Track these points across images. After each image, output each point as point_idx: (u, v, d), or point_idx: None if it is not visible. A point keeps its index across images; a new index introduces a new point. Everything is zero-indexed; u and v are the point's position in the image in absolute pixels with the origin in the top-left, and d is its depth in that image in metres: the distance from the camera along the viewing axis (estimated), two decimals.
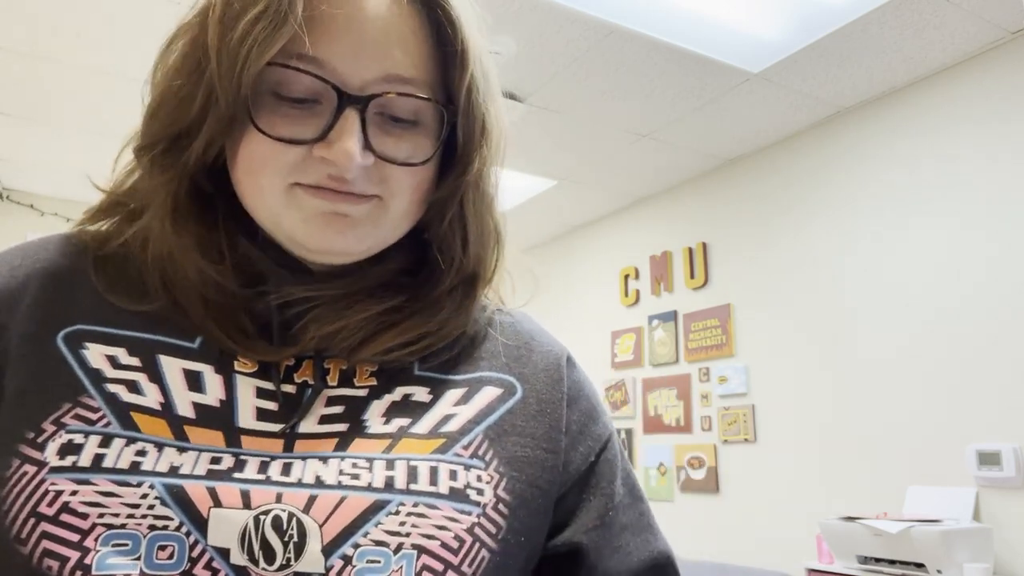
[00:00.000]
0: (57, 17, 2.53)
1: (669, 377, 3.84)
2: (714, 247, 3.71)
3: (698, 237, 3.79)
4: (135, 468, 0.44)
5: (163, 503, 0.44)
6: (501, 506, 0.51)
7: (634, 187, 4.00)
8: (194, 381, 0.49)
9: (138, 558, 0.42)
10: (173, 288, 0.51)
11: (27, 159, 3.70)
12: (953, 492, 2.56)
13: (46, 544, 0.42)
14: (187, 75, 0.51)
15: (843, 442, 2.96)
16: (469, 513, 0.49)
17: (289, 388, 0.51)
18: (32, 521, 0.43)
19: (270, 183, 0.50)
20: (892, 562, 2.40)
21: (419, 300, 0.56)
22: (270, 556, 0.44)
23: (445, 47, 0.51)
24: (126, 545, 0.43)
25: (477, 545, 0.49)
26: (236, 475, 0.46)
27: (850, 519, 2.51)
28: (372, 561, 0.45)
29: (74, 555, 0.42)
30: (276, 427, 0.49)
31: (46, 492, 0.43)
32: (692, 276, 3.79)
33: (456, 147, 0.53)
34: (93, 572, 0.42)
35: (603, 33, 2.58)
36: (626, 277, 4.21)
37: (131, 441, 0.46)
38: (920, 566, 2.32)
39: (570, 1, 2.39)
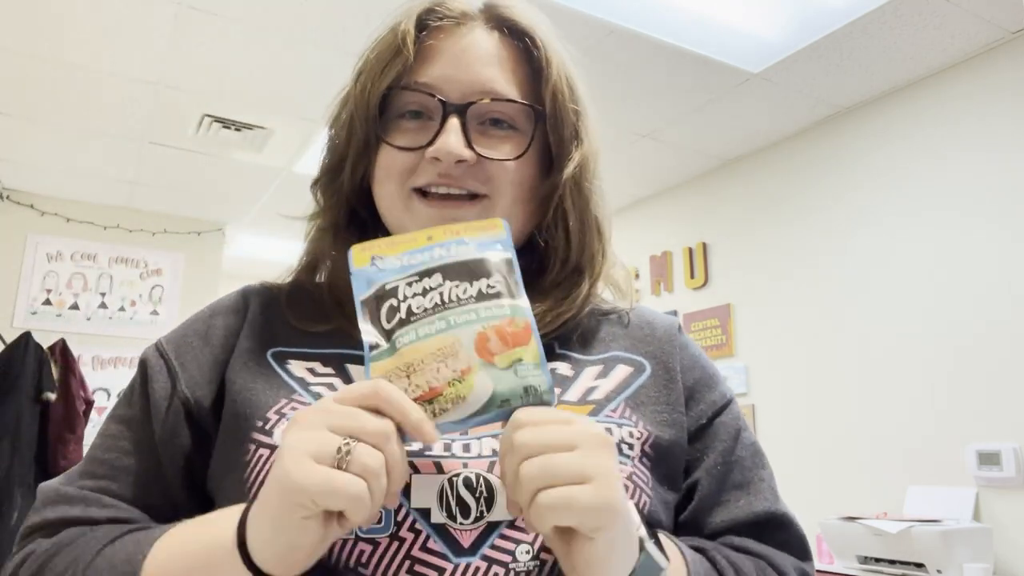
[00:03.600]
0: (57, 17, 2.52)
1: None
2: (714, 247, 3.71)
3: (698, 237, 3.79)
4: None
5: None
6: (645, 459, 0.59)
7: (634, 187, 4.00)
8: None
9: None
10: (344, 305, 0.62)
11: (27, 159, 3.70)
12: (953, 492, 2.56)
13: None
14: (338, 122, 0.66)
15: (843, 442, 2.96)
16: (625, 464, 0.57)
17: None
18: None
19: (395, 189, 0.62)
20: (892, 562, 2.40)
21: (531, 290, 0.61)
22: (465, 511, 0.52)
23: (535, 68, 0.64)
24: None
25: (638, 491, 0.57)
26: (427, 452, 0.54)
27: (850, 519, 2.51)
28: None
29: None
30: None
31: None
32: (692, 276, 3.79)
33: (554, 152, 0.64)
34: None
35: (603, 33, 2.58)
36: None
37: None
38: (920, 566, 2.32)
39: (570, 1, 2.39)
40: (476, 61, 0.62)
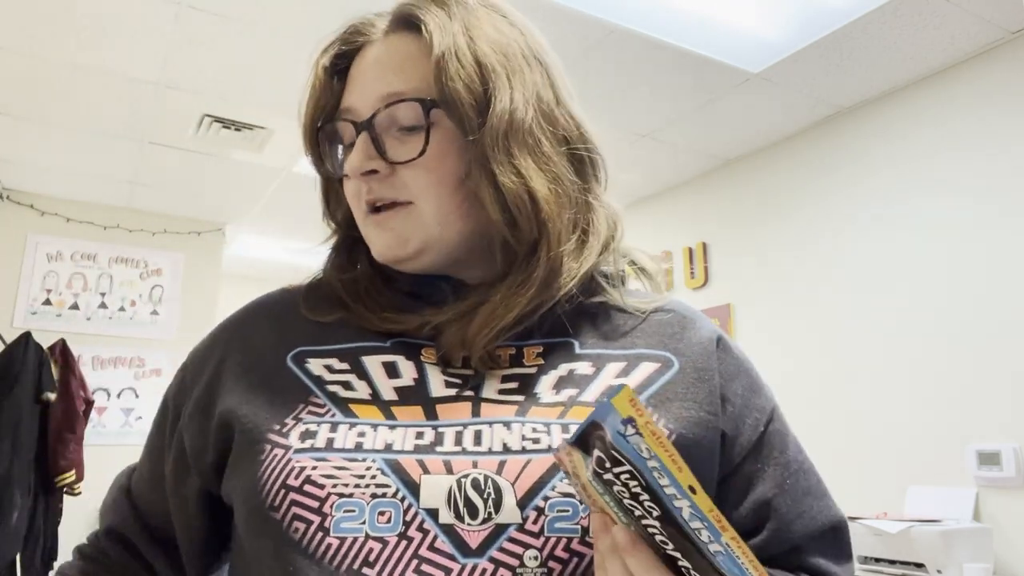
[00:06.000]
0: (57, 17, 2.52)
1: None
2: (714, 247, 3.71)
3: (698, 237, 3.79)
4: (359, 447, 0.55)
5: (383, 473, 0.53)
6: None
7: (634, 187, 4.00)
8: (391, 369, 0.60)
9: (363, 522, 0.52)
10: (346, 302, 0.65)
11: (27, 159, 3.69)
12: (953, 492, 2.56)
13: (295, 510, 0.53)
14: None
15: (843, 442, 2.96)
16: None
17: (468, 371, 0.60)
18: (283, 492, 0.54)
19: (357, 214, 0.65)
20: (892, 562, 2.40)
21: (492, 287, 0.61)
22: (473, 512, 0.52)
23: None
24: (353, 511, 0.52)
25: None
26: (438, 448, 0.55)
27: (850, 519, 2.51)
28: (561, 511, 0.52)
29: (316, 519, 0.52)
30: (464, 392, 0.58)
31: (293, 467, 0.54)
32: (692, 276, 3.79)
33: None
34: (331, 533, 0.52)
35: (603, 33, 2.58)
36: None
37: (352, 426, 0.56)
38: (920, 566, 2.32)
39: (570, 1, 2.39)
40: (374, 73, 0.62)
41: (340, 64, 0.66)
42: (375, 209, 0.63)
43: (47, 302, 4.06)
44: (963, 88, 2.74)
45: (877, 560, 2.44)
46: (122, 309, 4.23)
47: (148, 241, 4.34)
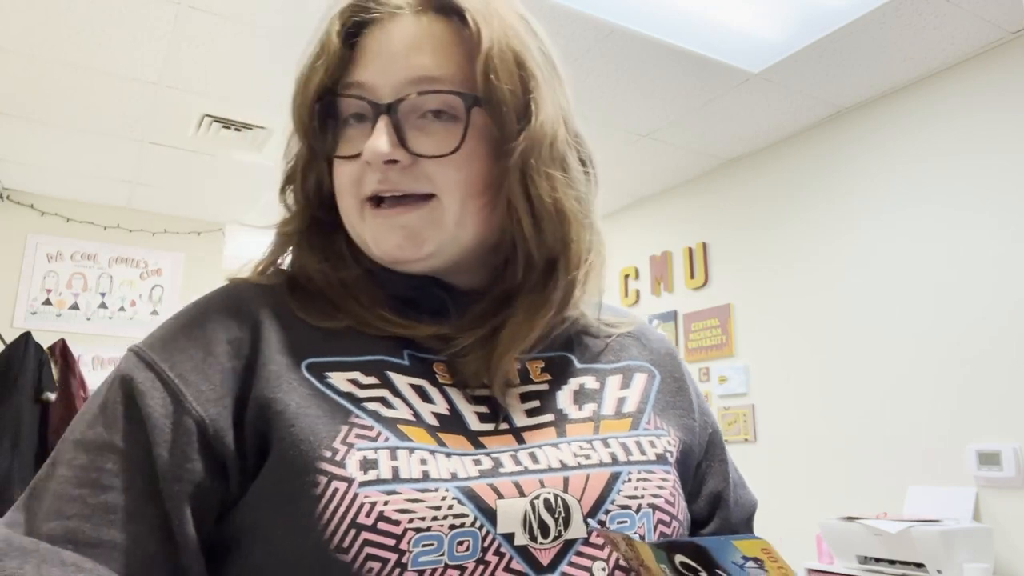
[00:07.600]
0: (57, 17, 2.52)
1: None
2: (714, 247, 3.71)
3: (698, 237, 3.79)
4: (427, 476, 0.51)
5: (459, 502, 0.51)
6: (676, 465, 0.62)
7: (634, 187, 4.00)
8: (423, 394, 0.56)
9: (442, 554, 0.49)
10: (340, 307, 0.59)
11: (27, 159, 3.69)
12: (953, 492, 2.56)
13: (368, 550, 0.48)
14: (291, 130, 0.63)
15: (843, 442, 2.96)
16: (670, 472, 0.60)
17: (485, 392, 0.58)
18: (353, 531, 0.49)
19: (349, 202, 0.59)
20: (892, 562, 2.40)
21: (510, 305, 0.59)
22: (545, 531, 0.52)
23: (471, 47, 0.57)
24: (432, 545, 0.49)
25: (680, 497, 0.60)
26: (502, 470, 0.54)
27: (850, 519, 2.51)
28: (621, 522, 0.55)
29: (392, 556, 0.49)
30: (500, 426, 0.57)
31: (362, 504, 0.49)
32: (692, 276, 3.79)
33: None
34: (409, 568, 0.49)
35: (603, 33, 2.58)
36: (626, 277, 4.22)
37: (412, 451, 0.52)
38: (920, 566, 2.32)
39: (570, 1, 2.39)
40: (404, 52, 0.57)
41: (350, 31, 0.60)
42: (379, 200, 0.57)
43: (47, 302, 4.06)
44: (963, 88, 2.74)
45: (877, 560, 2.44)
46: (122, 309, 4.23)
47: (148, 241, 4.34)
